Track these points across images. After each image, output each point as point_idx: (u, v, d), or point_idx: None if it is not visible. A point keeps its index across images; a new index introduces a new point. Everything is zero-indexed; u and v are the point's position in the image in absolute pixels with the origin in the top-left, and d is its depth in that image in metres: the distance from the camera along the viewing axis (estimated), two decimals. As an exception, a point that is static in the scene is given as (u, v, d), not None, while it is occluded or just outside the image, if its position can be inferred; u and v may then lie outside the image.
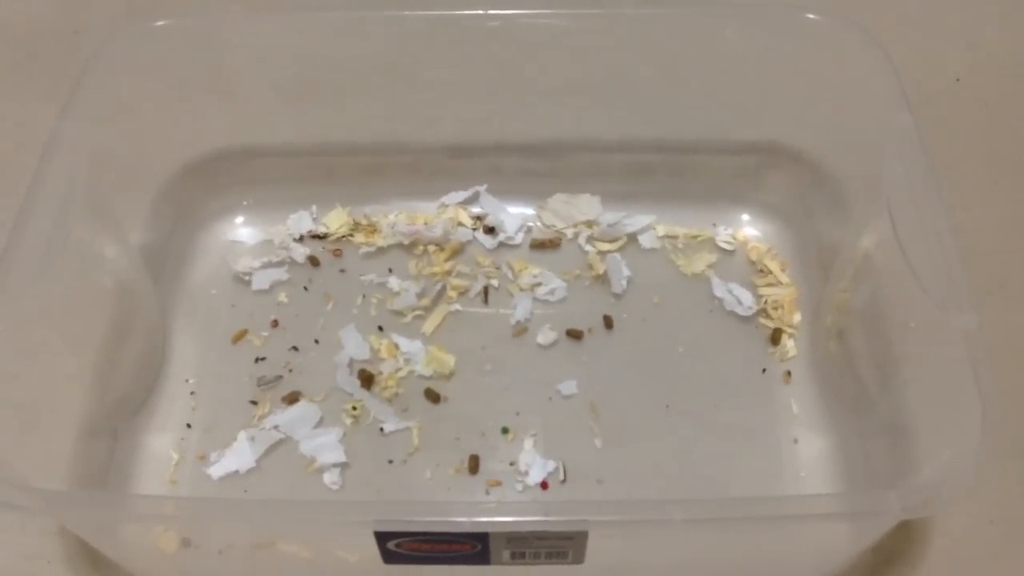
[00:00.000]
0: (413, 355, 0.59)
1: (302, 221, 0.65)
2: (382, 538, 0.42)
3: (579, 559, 0.44)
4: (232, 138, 0.64)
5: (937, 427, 0.48)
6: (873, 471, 0.53)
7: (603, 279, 0.63)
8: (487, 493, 0.54)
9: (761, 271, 0.63)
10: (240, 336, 0.60)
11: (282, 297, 0.62)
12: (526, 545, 0.43)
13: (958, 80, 0.73)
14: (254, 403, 0.58)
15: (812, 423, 0.57)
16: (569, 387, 0.58)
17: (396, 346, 0.59)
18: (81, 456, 0.53)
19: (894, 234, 0.50)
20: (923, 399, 0.50)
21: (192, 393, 0.58)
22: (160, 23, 0.58)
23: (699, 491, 0.53)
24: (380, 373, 0.58)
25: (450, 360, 0.59)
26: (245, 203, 0.66)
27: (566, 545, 0.43)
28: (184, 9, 0.67)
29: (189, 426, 0.57)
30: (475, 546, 0.42)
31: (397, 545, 0.43)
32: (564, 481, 0.54)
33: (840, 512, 0.41)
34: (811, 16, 0.57)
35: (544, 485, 0.54)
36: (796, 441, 0.56)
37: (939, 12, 0.78)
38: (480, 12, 0.59)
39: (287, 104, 0.63)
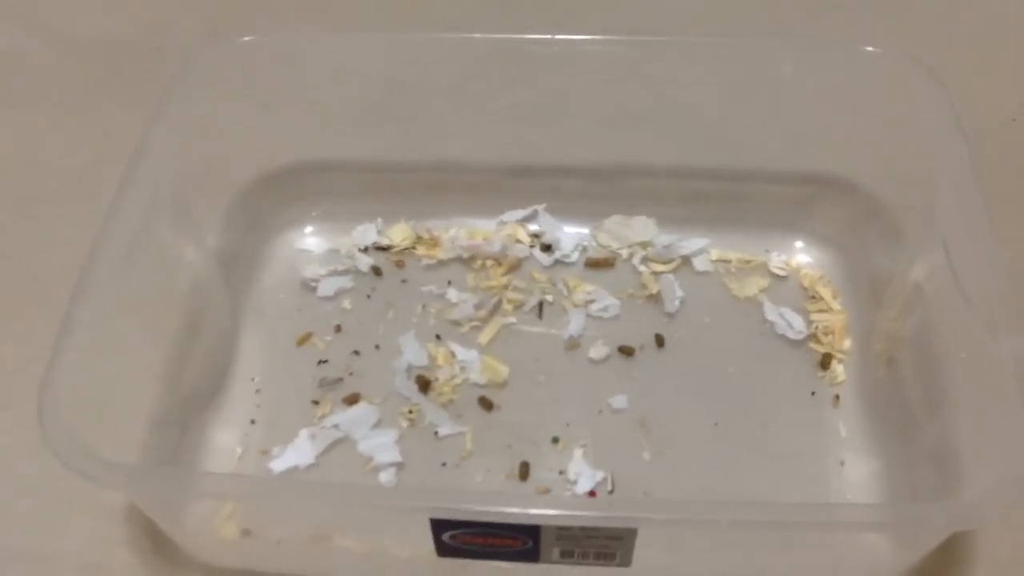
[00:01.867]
0: (468, 364, 0.61)
1: (367, 233, 0.68)
2: (437, 528, 0.44)
3: (626, 561, 0.46)
4: (306, 152, 0.67)
5: (984, 453, 0.48)
6: (919, 496, 0.53)
7: (656, 299, 0.64)
8: (536, 499, 0.56)
9: (813, 297, 0.64)
10: (305, 339, 0.63)
11: (346, 304, 0.65)
12: (575, 543, 0.44)
13: (1014, 120, 0.74)
14: (315, 403, 0.60)
15: (859, 447, 0.57)
16: (620, 401, 0.59)
17: (452, 354, 0.62)
18: (151, 444, 0.55)
19: (948, 262, 0.51)
20: (971, 426, 0.50)
21: (257, 391, 0.61)
22: (244, 39, 0.61)
23: (744, 507, 0.54)
24: (436, 379, 0.60)
25: (504, 370, 0.60)
26: (314, 214, 0.69)
27: (615, 545, 0.44)
28: (264, 28, 0.71)
29: (253, 422, 0.59)
30: (526, 541, 0.44)
31: (452, 537, 0.44)
32: (612, 491, 0.56)
33: (884, 522, 0.42)
34: (869, 49, 0.58)
35: (592, 494, 0.55)
36: (843, 464, 0.57)
37: (998, 51, 0.78)
38: (546, 36, 0.61)
39: (358, 121, 0.66)
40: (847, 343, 0.62)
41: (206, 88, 0.60)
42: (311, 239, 0.68)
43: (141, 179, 0.54)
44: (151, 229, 0.54)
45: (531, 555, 0.45)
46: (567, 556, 0.45)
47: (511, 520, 0.40)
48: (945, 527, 0.41)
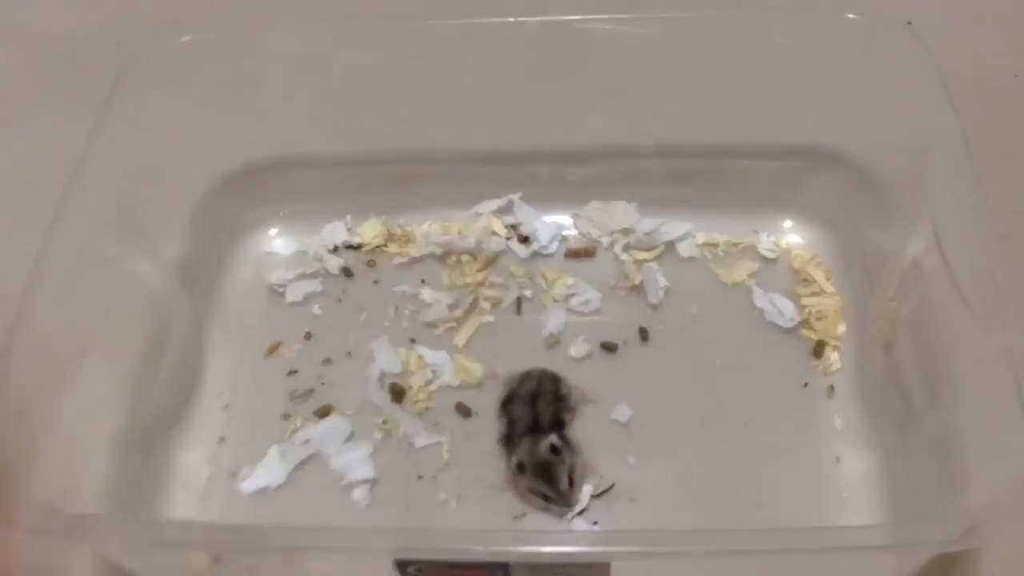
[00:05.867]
0: (439, 366, 0.58)
1: (337, 231, 0.65)
2: (402, 565, 0.42)
3: (604, 585, 0.43)
4: (267, 150, 0.64)
5: (985, 449, 0.45)
6: (919, 492, 0.51)
7: (639, 289, 0.61)
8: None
9: (804, 280, 0.61)
10: (274, 349, 0.60)
11: (316, 309, 0.62)
12: (548, 573, 0.42)
13: (1016, 76, 0.70)
14: (287, 416, 0.57)
15: (856, 441, 0.54)
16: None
17: (421, 358, 0.59)
18: (115, 470, 0.53)
19: (937, 245, 0.48)
20: (972, 417, 0.48)
21: (226, 407, 0.58)
22: (189, 38, 0.57)
23: (735, 512, 0.52)
24: (411, 387, 0.58)
25: (477, 368, 0.58)
26: (280, 214, 0.66)
27: (589, 573, 0.42)
28: (223, 22, 0.68)
29: (222, 440, 0.57)
30: (496, 573, 0.42)
31: (418, 570, 0.42)
32: (597, 497, 0.53)
33: (873, 545, 0.39)
34: (851, 16, 0.55)
35: (575, 503, 0.53)
36: (839, 459, 0.54)
37: (998, 6, 0.74)
38: (512, 19, 0.58)
39: (321, 115, 0.63)
40: (841, 328, 0.59)
41: (154, 89, 0.57)
42: (277, 241, 0.65)
43: (83, 193, 0.51)
44: (97, 245, 0.52)
45: (504, 584, 0.43)
46: (541, 583, 0.43)
47: (475, 559, 0.38)
48: (937, 547, 0.38)
